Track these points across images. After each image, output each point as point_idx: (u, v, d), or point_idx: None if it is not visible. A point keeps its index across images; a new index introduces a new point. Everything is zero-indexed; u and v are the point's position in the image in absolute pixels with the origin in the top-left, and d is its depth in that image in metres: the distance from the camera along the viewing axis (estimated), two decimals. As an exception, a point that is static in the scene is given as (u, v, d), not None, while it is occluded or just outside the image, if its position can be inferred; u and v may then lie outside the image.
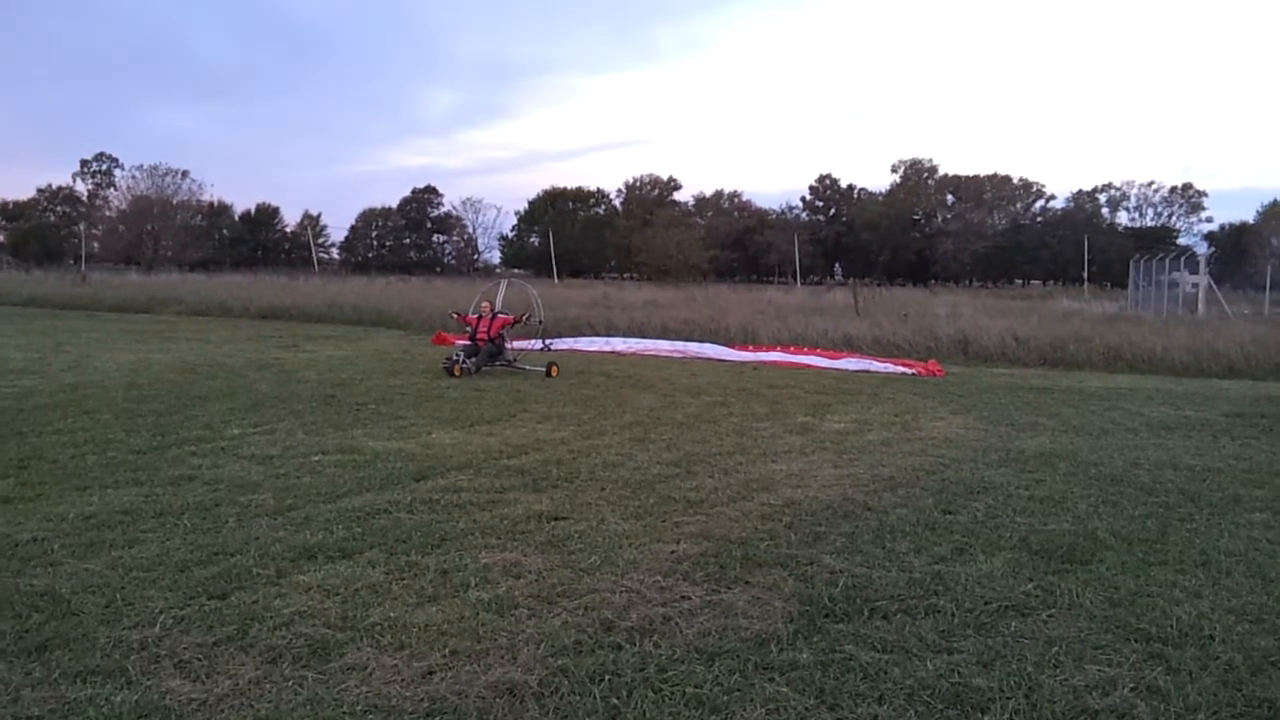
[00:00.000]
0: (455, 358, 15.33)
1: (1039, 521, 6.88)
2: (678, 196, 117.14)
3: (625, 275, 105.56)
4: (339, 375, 15.36)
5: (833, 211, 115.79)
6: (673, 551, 5.92)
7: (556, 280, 75.94)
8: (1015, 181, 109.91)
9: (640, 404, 12.78)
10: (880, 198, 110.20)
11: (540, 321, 17.47)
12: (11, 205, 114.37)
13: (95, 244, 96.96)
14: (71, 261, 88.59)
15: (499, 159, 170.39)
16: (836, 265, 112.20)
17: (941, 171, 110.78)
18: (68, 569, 5.25)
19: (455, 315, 17.68)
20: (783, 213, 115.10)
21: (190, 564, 5.39)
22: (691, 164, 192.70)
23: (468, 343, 16.34)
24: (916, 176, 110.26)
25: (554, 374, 15.65)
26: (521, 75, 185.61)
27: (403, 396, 12.96)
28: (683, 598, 5.10)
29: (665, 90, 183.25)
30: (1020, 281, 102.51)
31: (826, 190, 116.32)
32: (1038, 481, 8.32)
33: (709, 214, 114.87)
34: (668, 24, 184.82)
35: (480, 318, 16.60)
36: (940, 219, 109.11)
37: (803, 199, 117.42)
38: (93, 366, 15.84)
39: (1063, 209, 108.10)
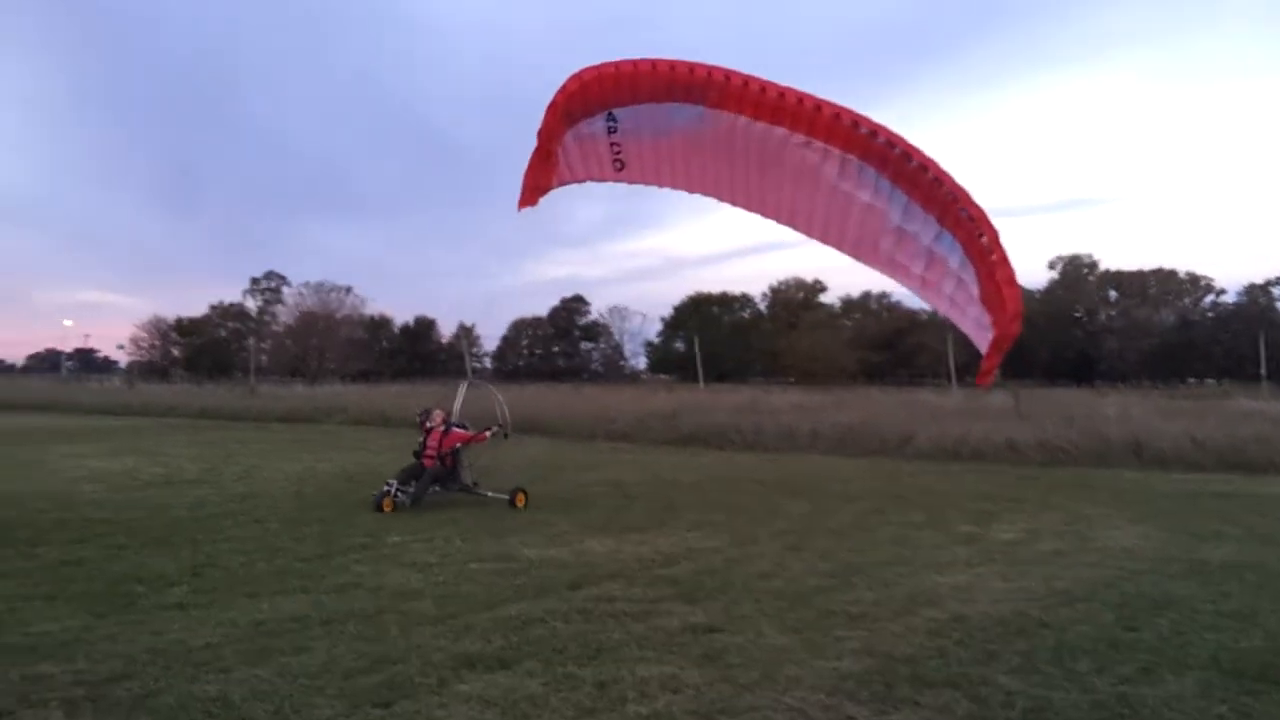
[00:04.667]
0: (387, 488, 12.32)
1: (1229, 638, 6.40)
2: (824, 299, 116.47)
3: (772, 379, 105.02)
4: (492, 482, 15.58)
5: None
6: (835, 668, 5.70)
7: (702, 385, 76.10)
8: (1182, 275, 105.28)
9: (792, 511, 12.55)
10: (1038, 295, 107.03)
11: (506, 435, 14.09)
12: (187, 322, 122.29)
13: (264, 357, 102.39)
14: (241, 374, 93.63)
15: (643, 267, 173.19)
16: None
17: (1102, 267, 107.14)
18: (239, 675, 5.40)
19: (419, 417, 14.52)
20: (933, 313, 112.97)
21: (355, 672, 5.48)
22: (837, 266, 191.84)
23: (413, 466, 13.25)
24: (1075, 272, 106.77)
25: (521, 504, 12.69)
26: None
27: (553, 503, 13.08)
28: (849, 718, 4.87)
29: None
30: (1192, 380, 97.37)
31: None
32: (1225, 595, 7.76)
33: (856, 315, 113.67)
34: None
35: (431, 429, 13.60)
36: (1103, 316, 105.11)
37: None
38: (261, 476, 16.57)
39: (1234, 303, 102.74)
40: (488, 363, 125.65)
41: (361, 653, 5.86)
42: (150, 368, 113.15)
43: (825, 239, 11.80)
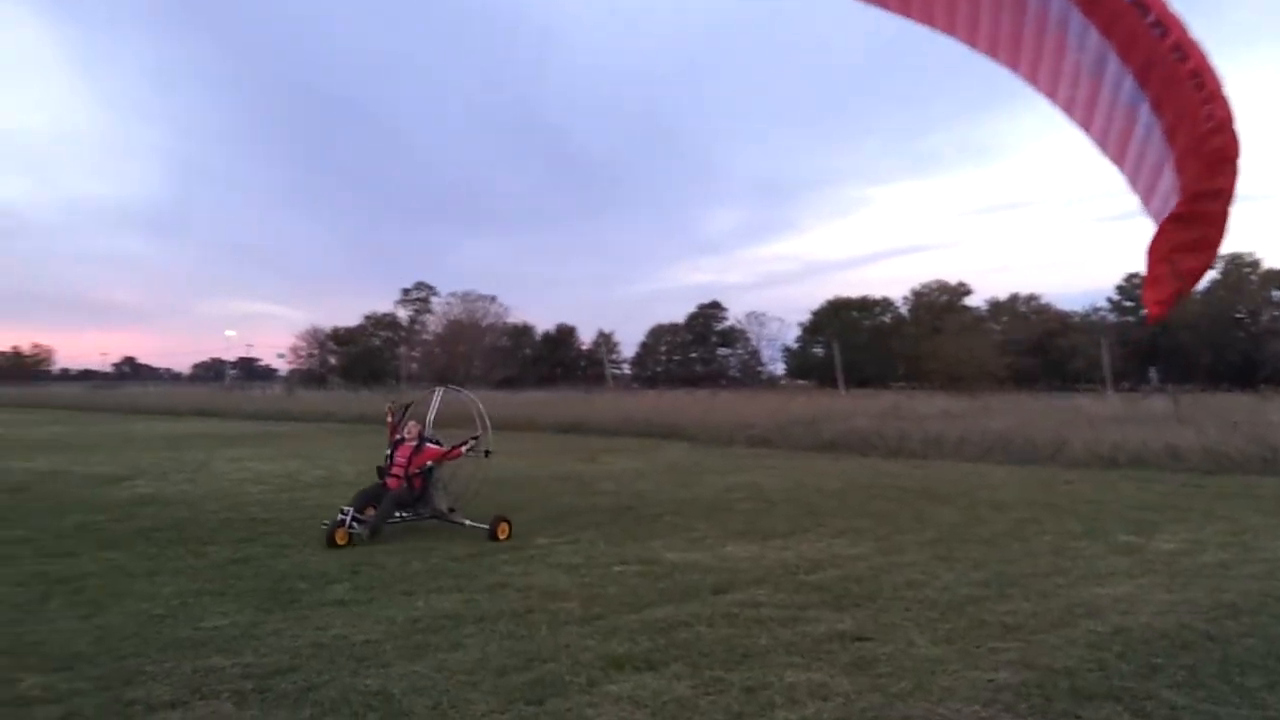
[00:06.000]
0: (342, 516, 10.32)
1: None
2: (969, 301, 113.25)
3: (914, 385, 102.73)
4: (635, 487, 15.77)
5: (1145, 312, 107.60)
6: (990, 680, 5.53)
7: (843, 390, 75.02)
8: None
9: (940, 518, 12.23)
10: (1198, 295, 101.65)
11: (487, 453, 11.65)
12: (342, 331, 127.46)
13: (414, 365, 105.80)
14: (393, 381, 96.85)
15: (781, 272, 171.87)
16: (1151, 370, 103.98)
17: (1265, 265, 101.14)
18: (398, 670, 5.58)
19: (388, 413, 12.89)
20: (1087, 314, 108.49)
21: (508, 669, 5.60)
22: (982, 268, 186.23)
23: (374, 486, 11.31)
24: (1237, 272, 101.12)
25: (504, 536, 10.61)
26: (801, 190, 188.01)
27: (695, 508, 13.10)
28: (1006, 731, 4.73)
29: (949, 196, 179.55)
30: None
31: (1136, 289, 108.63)
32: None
33: (1004, 319, 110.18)
34: (945, 131, 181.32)
35: (403, 441, 11.66)
36: (1266, 317, 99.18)
37: (1109, 299, 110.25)
38: (489, 472, 17.07)
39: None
40: (626, 369, 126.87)
41: (513, 651, 5.99)
42: (308, 375, 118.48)
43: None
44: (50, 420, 43.05)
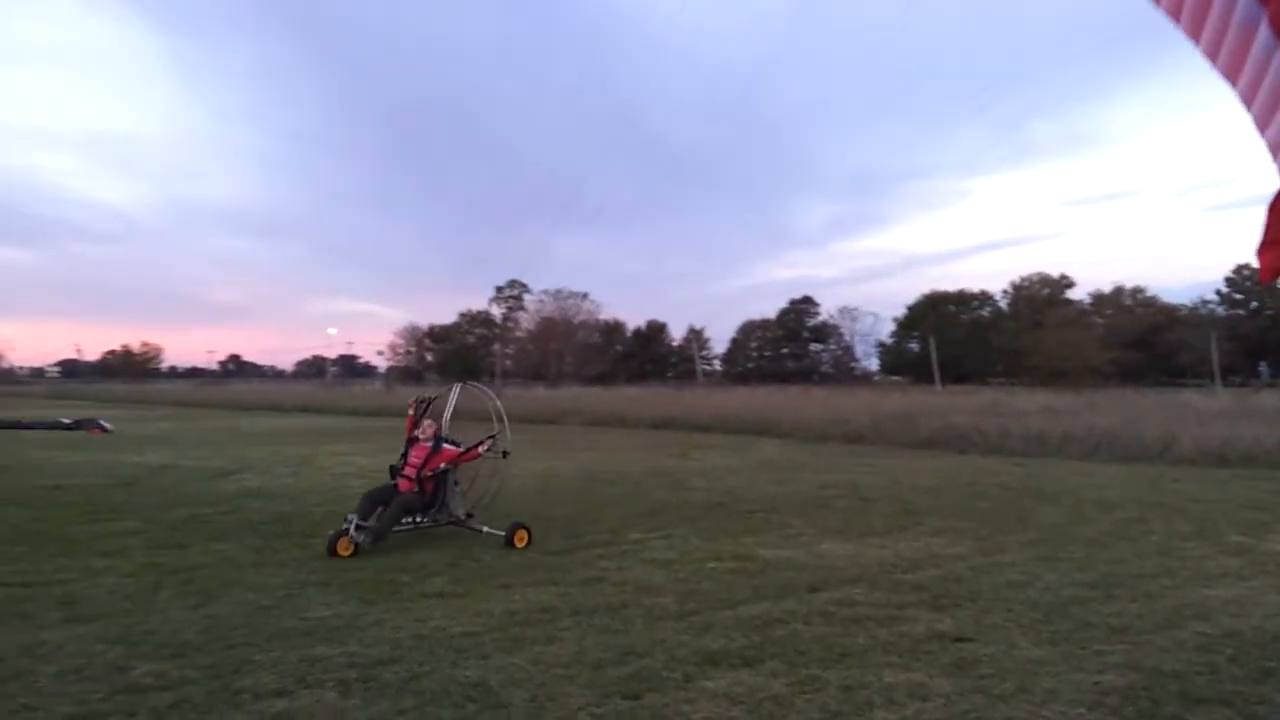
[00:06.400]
0: (345, 525, 9.40)
1: None
2: (1071, 295, 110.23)
3: (1015, 380, 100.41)
4: (727, 483, 15.73)
5: (1254, 304, 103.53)
6: (1096, 683, 5.38)
7: (939, 386, 73.74)
8: None
9: (1043, 518, 11.93)
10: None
11: (506, 454, 10.75)
12: (438, 329, 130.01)
13: (508, 361, 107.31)
14: (488, 378, 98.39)
15: (875, 266, 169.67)
16: (1261, 364, 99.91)
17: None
18: (496, 662, 5.66)
19: (410, 407, 11.53)
20: (1195, 308, 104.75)
21: (604, 663, 5.63)
22: (1085, 260, 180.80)
23: (383, 488, 10.35)
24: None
25: (522, 544, 9.75)
26: (895, 182, 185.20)
27: (789, 505, 13.00)
28: (1114, 735, 4.60)
29: (1050, 186, 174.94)
30: None
31: (1246, 281, 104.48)
32: None
33: (1108, 312, 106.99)
34: (1046, 120, 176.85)
35: (417, 442, 10.73)
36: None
37: (1218, 292, 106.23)
38: (509, 473, 17.29)
39: None
40: (717, 365, 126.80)
41: (609, 645, 6.01)
42: (406, 372, 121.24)
43: None
44: (160, 416, 44.71)
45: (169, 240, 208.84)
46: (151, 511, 12.15)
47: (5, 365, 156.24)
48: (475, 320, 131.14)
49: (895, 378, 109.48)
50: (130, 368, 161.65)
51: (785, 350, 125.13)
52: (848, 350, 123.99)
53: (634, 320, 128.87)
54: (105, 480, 15.49)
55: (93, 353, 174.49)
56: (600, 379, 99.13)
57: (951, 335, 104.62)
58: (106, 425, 31.36)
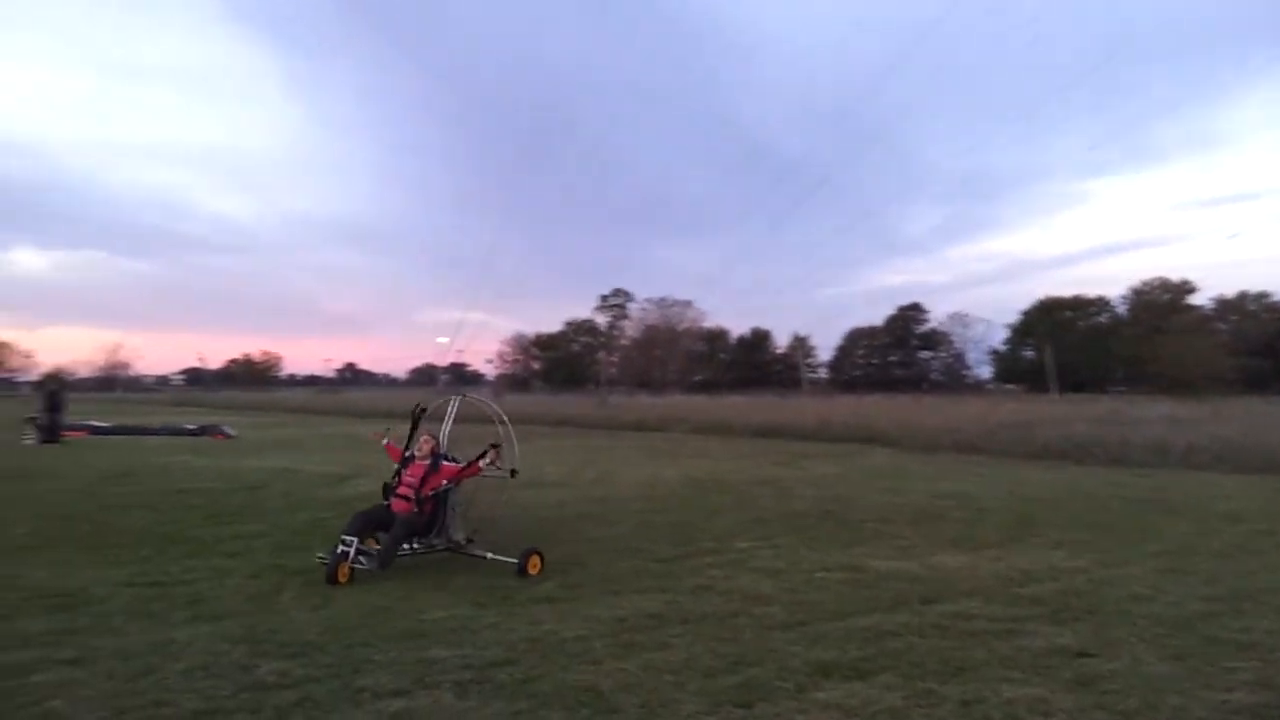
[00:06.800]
0: (342, 548, 8.51)
1: None
2: (1193, 300, 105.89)
3: (1135, 388, 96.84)
4: (835, 492, 15.56)
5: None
6: (1225, 700, 5.17)
7: (1056, 394, 71.67)
8: None
9: (1167, 530, 11.50)
10: None
11: (514, 473, 9.53)
12: (545, 337, 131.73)
13: (613, 369, 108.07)
14: (593, 385, 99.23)
15: (987, 271, 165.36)
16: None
17: None
18: (607, 668, 5.69)
19: (380, 439, 10.87)
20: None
21: (715, 671, 5.62)
22: (1208, 264, 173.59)
23: (376, 508, 9.36)
24: None
25: (535, 570, 8.69)
26: (1008, 185, 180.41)
27: (900, 515, 12.79)
28: (1246, 756, 4.40)
29: (1172, 188, 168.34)
30: None
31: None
32: None
33: (1233, 318, 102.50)
34: (1167, 121, 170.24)
35: (411, 458, 9.71)
36: None
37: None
38: (615, 481, 17.46)
39: None
40: (822, 373, 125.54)
41: (719, 653, 6.00)
42: (513, 380, 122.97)
43: None
44: (279, 423, 46.23)
45: (284, 252, 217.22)
46: (274, 515, 12.58)
47: (133, 373, 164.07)
48: (580, 329, 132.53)
49: (1009, 386, 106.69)
50: (251, 375, 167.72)
51: (893, 358, 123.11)
52: (959, 358, 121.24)
53: (738, 328, 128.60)
54: (229, 485, 16.09)
55: (215, 361, 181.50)
56: (703, 387, 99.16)
57: (1068, 342, 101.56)
58: (229, 431, 32.62)
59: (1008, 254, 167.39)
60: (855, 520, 12.33)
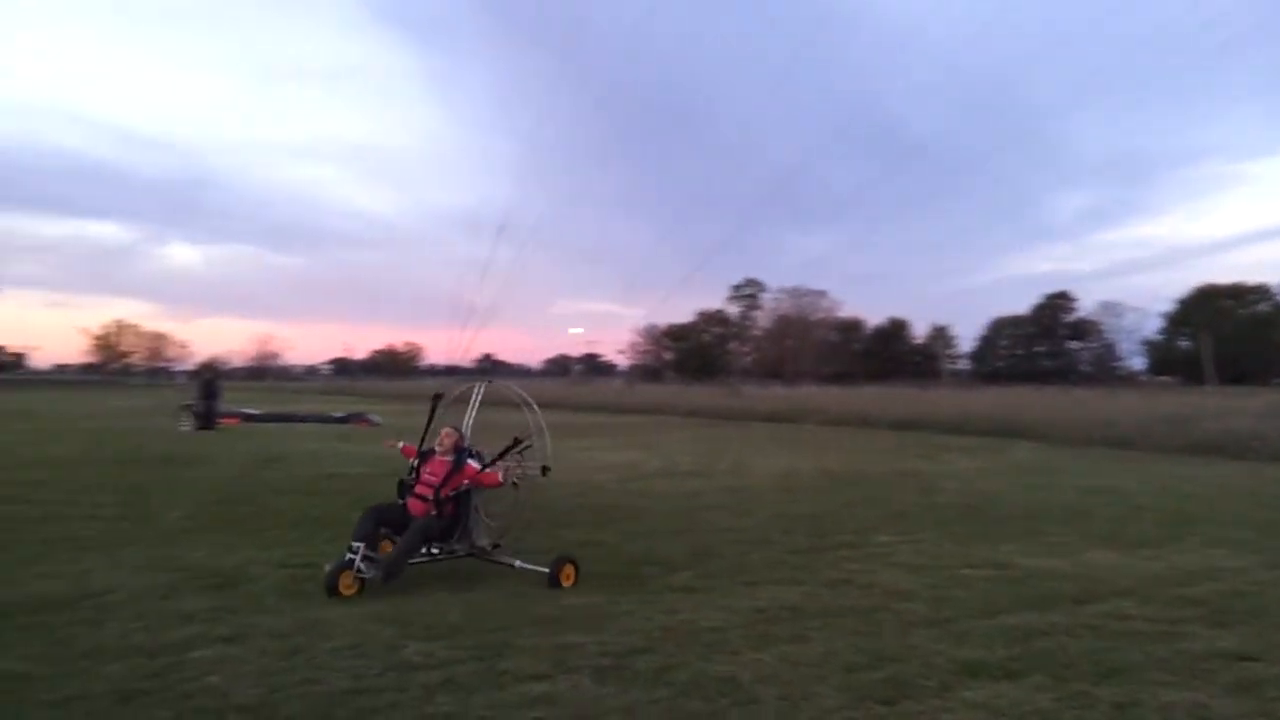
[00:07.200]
0: (349, 555, 7.44)
1: None
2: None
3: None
4: (978, 487, 15.11)
5: None
6: (1407, 715, 4.79)
7: (1213, 386, 68.12)
8: None
9: (1343, 532, 10.78)
10: None
11: (546, 470, 8.58)
12: (677, 328, 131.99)
13: (745, 359, 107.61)
14: (725, 376, 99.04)
15: (1138, 258, 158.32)
16: None
17: None
18: (745, 658, 5.65)
19: (393, 446, 10.01)
20: None
21: (856, 666, 5.51)
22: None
23: (391, 506, 8.30)
24: None
25: (570, 581, 7.84)
26: (1160, 168, 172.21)
27: (1049, 511, 12.32)
28: None
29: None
30: None
31: None
32: None
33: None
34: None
35: (430, 455, 8.71)
36: None
37: None
38: (748, 471, 17.35)
39: None
40: (963, 363, 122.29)
41: (859, 648, 5.88)
42: (646, 370, 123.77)
43: None
44: (420, 411, 47.52)
45: (425, 245, 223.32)
46: (417, 500, 12.89)
47: (283, 363, 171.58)
48: (712, 319, 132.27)
49: (1163, 378, 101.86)
50: (394, 365, 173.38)
51: (1039, 348, 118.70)
52: (1109, 348, 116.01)
53: (874, 318, 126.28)
54: (375, 470, 16.58)
55: (361, 351, 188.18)
56: (838, 378, 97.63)
57: (1227, 332, 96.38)
58: (375, 419, 33.68)
59: (1159, 239, 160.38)
60: (1001, 516, 11.94)
